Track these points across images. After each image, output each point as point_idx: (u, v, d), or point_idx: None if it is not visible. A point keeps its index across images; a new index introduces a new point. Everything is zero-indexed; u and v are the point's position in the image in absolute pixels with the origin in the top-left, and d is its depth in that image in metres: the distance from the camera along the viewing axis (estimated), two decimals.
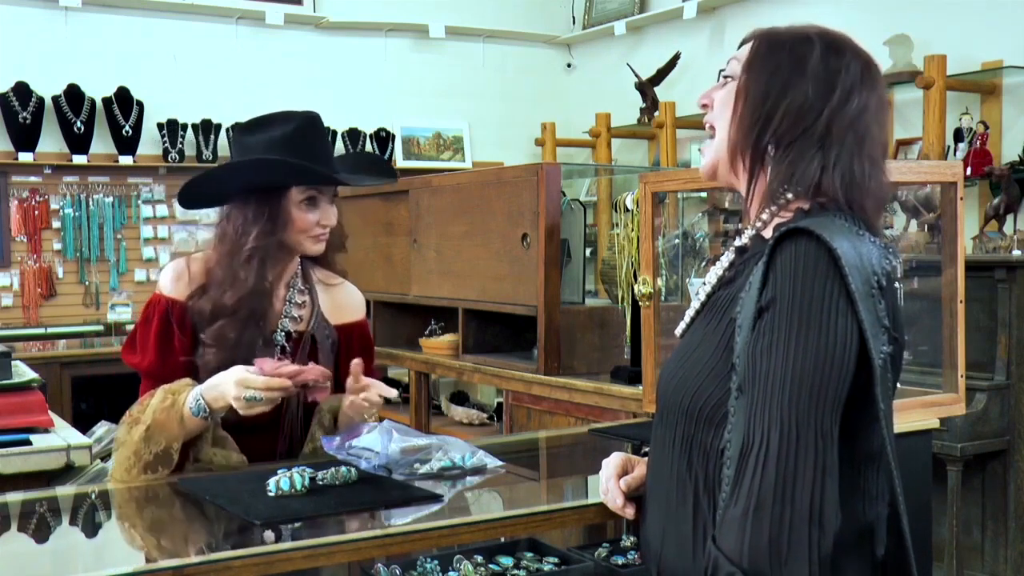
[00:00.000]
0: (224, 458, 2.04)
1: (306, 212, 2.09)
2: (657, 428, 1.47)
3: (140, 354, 2.10)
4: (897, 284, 1.35)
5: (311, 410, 2.20)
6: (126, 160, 5.91)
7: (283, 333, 2.16)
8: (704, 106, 1.48)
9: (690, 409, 1.37)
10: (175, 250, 6.03)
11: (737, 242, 1.44)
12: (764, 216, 1.39)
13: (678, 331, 1.48)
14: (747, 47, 1.44)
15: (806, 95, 1.35)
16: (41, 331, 5.58)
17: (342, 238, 2.28)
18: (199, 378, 2.04)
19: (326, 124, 2.22)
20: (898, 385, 1.38)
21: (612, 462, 1.63)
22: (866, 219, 1.37)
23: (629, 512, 1.60)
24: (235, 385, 1.94)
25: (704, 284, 1.47)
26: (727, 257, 1.45)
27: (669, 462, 1.41)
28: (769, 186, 1.38)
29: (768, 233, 1.37)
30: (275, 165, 2.04)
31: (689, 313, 1.47)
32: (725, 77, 1.45)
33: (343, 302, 2.28)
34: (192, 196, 2.15)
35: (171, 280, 2.11)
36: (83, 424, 3.12)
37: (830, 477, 1.20)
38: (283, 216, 2.07)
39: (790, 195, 1.37)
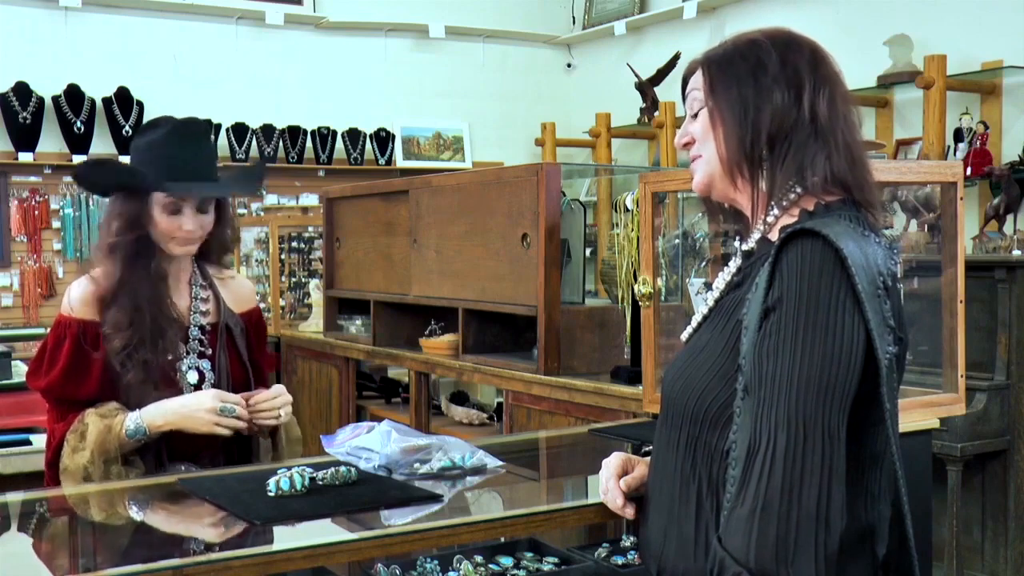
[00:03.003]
0: (128, 472, 2.12)
1: (168, 217, 2.17)
2: (661, 429, 1.47)
3: (48, 378, 2.16)
4: (899, 285, 1.36)
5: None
6: (126, 160, 5.91)
7: (197, 327, 2.25)
8: (685, 144, 1.48)
9: (695, 410, 1.37)
10: None
11: (743, 246, 1.44)
12: (769, 219, 1.39)
13: (684, 336, 1.48)
14: (697, 78, 1.44)
15: (782, 95, 1.36)
16: (41, 331, 5.57)
17: (228, 241, 2.39)
18: (112, 381, 2.13)
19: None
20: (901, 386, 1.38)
21: (612, 462, 1.63)
22: (870, 205, 1.37)
23: (629, 512, 1.60)
24: (211, 398, 2.11)
25: (713, 290, 1.47)
26: (735, 263, 1.45)
27: (673, 463, 1.41)
28: (773, 187, 1.38)
29: (774, 235, 1.38)
30: (103, 167, 2.26)
31: (696, 318, 1.47)
32: (692, 113, 1.46)
33: (239, 293, 2.40)
34: (84, 185, 2.38)
35: (79, 301, 2.17)
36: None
37: (837, 477, 1.20)
38: (144, 218, 2.17)
39: (792, 195, 1.37)
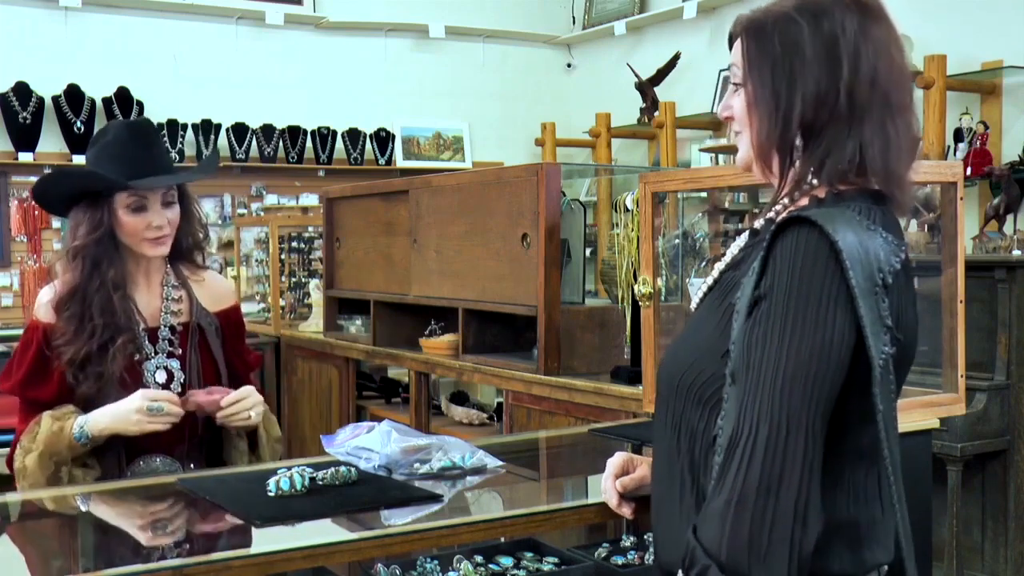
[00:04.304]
0: (83, 475, 2.14)
1: (134, 216, 2.18)
2: (657, 408, 1.45)
3: (13, 380, 2.21)
4: (911, 281, 1.31)
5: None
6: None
7: (167, 327, 2.26)
8: (727, 118, 1.43)
9: (679, 387, 1.35)
10: None
11: (755, 224, 1.41)
12: (785, 201, 1.36)
13: (692, 306, 1.45)
14: (738, 49, 1.40)
15: (816, 80, 1.30)
16: None
17: (199, 237, 2.38)
18: (70, 390, 2.16)
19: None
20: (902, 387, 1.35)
21: (613, 461, 1.63)
22: (895, 197, 1.33)
23: (625, 511, 1.61)
24: (139, 398, 2.09)
25: (719, 262, 1.44)
26: (742, 238, 1.43)
27: (663, 441, 1.40)
28: (799, 174, 1.34)
29: (780, 220, 1.35)
30: (62, 176, 2.23)
31: (702, 289, 1.44)
32: (734, 84, 1.41)
33: (215, 291, 2.40)
34: (44, 203, 2.31)
35: (43, 307, 2.22)
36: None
37: (816, 477, 1.17)
38: (109, 220, 2.18)
39: (815, 181, 1.32)
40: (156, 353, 2.23)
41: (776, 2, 1.37)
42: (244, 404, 2.19)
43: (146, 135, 2.24)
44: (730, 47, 1.43)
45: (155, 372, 2.22)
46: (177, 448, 2.23)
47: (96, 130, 5.72)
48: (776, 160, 1.35)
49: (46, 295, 2.23)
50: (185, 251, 2.34)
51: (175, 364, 2.24)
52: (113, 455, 2.17)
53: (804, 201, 1.34)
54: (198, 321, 2.30)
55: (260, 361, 2.48)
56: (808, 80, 1.30)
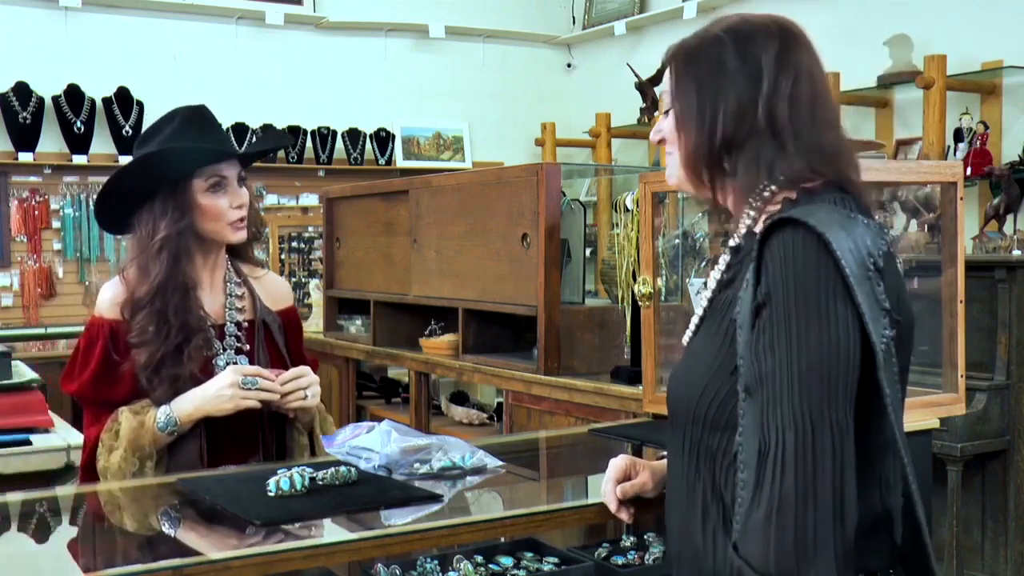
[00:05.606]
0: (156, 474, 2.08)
1: (214, 198, 2.11)
2: (670, 434, 1.46)
3: (79, 381, 2.12)
4: (898, 262, 1.32)
5: (280, 417, 2.22)
6: (126, 160, 5.89)
7: (233, 324, 2.20)
8: (659, 141, 1.48)
9: (696, 413, 1.35)
10: None
11: (731, 242, 1.42)
12: (751, 212, 1.37)
13: (685, 340, 1.46)
14: (668, 73, 1.44)
15: (737, 95, 1.34)
16: (41, 331, 5.58)
17: (257, 227, 2.29)
18: (143, 389, 2.07)
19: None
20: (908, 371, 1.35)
21: (615, 464, 1.63)
22: (854, 190, 1.35)
23: (624, 516, 1.62)
24: (231, 373, 2.04)
25: (705, 289, 1.45)
26: (724, 260, 1.43)
27: (681, 467, 1.40)
28: (741, 187, 1.36)
29: (760, 228, 1.36)
30: (158, 156, 2.07)
31: (694, 321, 1.45)
32: (665, 113, 1.45)
33: (274, 291, 2.34)
34: (111, 221, 2.20)
35: (109, 301, 2.13)
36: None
37: (849, 470, 1.18)
38: (189, 206, 2.10)
39: (767, 193, 1.35)
40: (225, 349, 2.17)
41: (708, 27, 1.42)
42: (300, 382, 2.11)
43: (211, 116, 2.18)
44: (662, 75, 1.47)
45: (224, 368, 2.13)
46: (252, 458, 2.16)
47: (95, 130, 5.81)
48: (705, 175, 1.39)
49: (109, 291, 2.14)
50: (243, 245, 2.25)
51: (244, 360, 2.17)
52: (194, 457, 2.09)
53: (777, 204, 1.35)
54: (263, 318, 2.24)
55: (318, 366, 2.35)
56: (729, 96, 1.35)
